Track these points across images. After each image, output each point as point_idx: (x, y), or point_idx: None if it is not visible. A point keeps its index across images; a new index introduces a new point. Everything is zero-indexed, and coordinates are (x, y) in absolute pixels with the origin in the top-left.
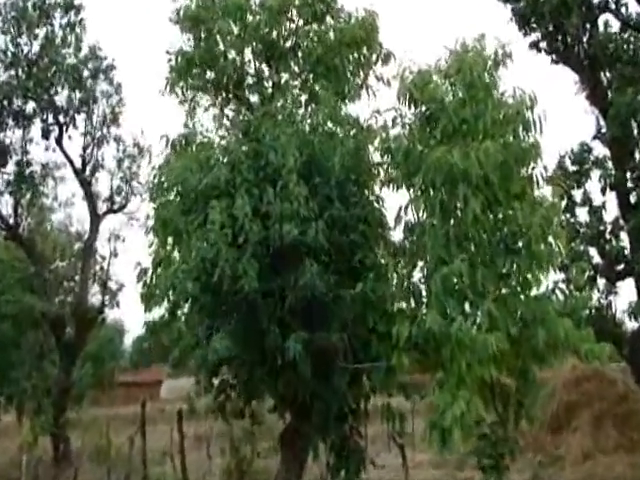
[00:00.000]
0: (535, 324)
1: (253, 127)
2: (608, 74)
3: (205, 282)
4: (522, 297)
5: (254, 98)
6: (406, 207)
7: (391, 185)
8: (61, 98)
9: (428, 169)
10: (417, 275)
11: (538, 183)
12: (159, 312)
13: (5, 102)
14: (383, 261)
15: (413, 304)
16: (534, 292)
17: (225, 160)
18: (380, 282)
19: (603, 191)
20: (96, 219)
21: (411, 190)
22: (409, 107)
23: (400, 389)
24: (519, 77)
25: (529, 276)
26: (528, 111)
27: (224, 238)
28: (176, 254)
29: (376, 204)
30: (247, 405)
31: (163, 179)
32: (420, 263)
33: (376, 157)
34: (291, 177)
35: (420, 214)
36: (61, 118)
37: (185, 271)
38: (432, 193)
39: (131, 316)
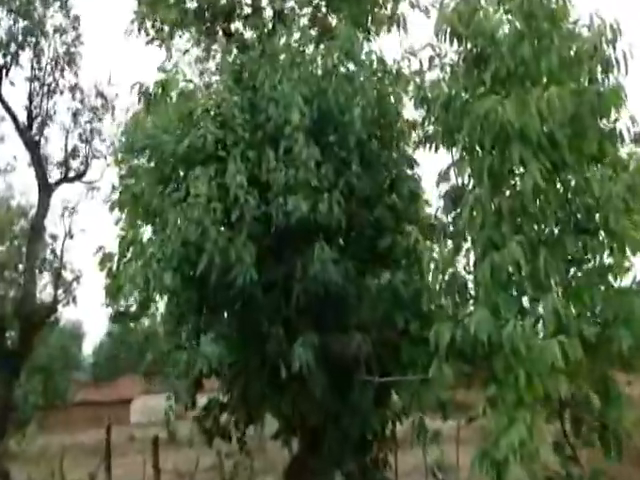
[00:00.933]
0: (617, 324)
1: (248, 72)
2: None
3: (188, 272)
4: (599, 290)
5: (249, 34)
6: (446, 173)
7: (427, 145)
8: None
9: (474, 124)
10: (461, 262)
11: (622, 141)
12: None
13: None
14: (417, 245)
15: (456, 299)
16: (615, 283)
17: (212, 114)
18: (413, 271)
19: None
20: (46, 190)
21: (453, 151)
22: (451, 44)
23: (440, 408)
24: (597, 1)
25: (608, 262)
26: (609, 46)
27: (212, 215)
28: (150, 236)
29: (408, 170)
30: (242, 429)
31: (133, 139)
32: (465, 246)
33: (408, 109)
34: (298, 136)
35: (465, 182)
36: None
37: (162, 258)
38: (480, 155)
39: (92, 316)
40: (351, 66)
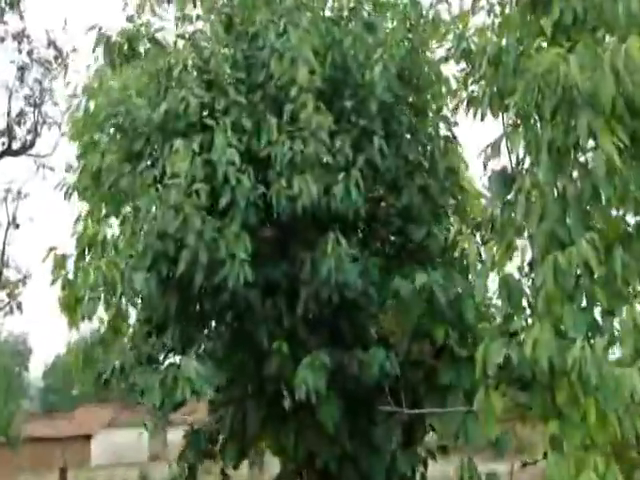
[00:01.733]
0: None
1: (242, 17)
2: None
3: (166, 273)
4: None
5: None
6: (495, 149)
7: (470, 111)
8: None
9: (531, 85)
10: (515, 263)
11: None
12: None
13: None
14: (459, 238)
15: (509, 310)
16: None
17: (197, 72)
18: (454, 273)
19: None
20: None
21: (504, 119)
22: None
23: (489, 447)
24: None
25: None
26: None
27: (196, 200)
28: (116, 229)
29: (446, 143)
30: (234, 470)
31: (94, 103)
32: (520, 243)
33: (447, 65)
34: (306, 99)
35: (519, 160)
36: None
37: (132, 256)
38: (538, 125)
39: (42, 327)
40: (372, 10)
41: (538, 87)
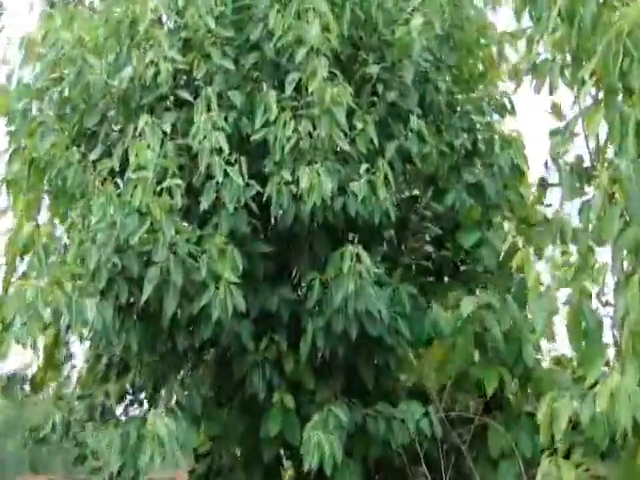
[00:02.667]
0: None
1: None
2: None
3: (127, 299)
4: None
5: None
6: (567, 132)
7: (534, 82)
8: None
9: (616, 46)
10: (591, 284)
11: None
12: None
13: None
14: (515, 248)
15: (583, 348)
16: None
17: (170, 27)
18: (509, 298)
19: None
20: None
21: (580, 94)
22: None
23: None
24: None
25: None
26: None
27: (167, 201)
28: (61, 236)
29: (501, 127)
30: None
31: (32, 66)
32: (598, 257)
33: (500, 18)
34: (317, 65)
35: (599, 147)
36: None
37: (82, 274)
38: (625, 102)
39: None
40: None
41: (624, 49)
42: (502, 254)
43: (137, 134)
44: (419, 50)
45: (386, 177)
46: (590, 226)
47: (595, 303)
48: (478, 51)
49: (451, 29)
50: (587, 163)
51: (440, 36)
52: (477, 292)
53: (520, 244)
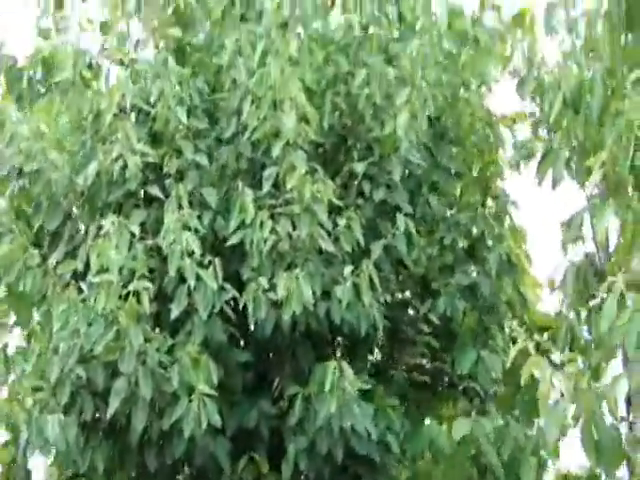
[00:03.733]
0: None
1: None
2: None
3: (91, 416)
4: None
5: None
6: (574, 227)
7: (536, 172)
8: None
9: (624, 137)
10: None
11: None
12: None
13: None
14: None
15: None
16: None
17: (138, 117)
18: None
19: None
20: None
21: (584, 183)
22: None
23: None
24: None
25: None
26: None
27: (135, 307)
28: (18, 346)
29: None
30: None
31: None
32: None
33: (501, 101)
34: (294, 158)
35: (607, 245)
36: None
37: (41, 389)
38: (635, 197)
39: None
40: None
41: (635, 140)
42: (509, 362)
43: (102, 234)
44: (407, 147)
45: (372, 280)
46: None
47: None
48: (474, 141)
49: (443, 120)
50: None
51: (435, 128)
52: (476, 405)
53: (531, 349)
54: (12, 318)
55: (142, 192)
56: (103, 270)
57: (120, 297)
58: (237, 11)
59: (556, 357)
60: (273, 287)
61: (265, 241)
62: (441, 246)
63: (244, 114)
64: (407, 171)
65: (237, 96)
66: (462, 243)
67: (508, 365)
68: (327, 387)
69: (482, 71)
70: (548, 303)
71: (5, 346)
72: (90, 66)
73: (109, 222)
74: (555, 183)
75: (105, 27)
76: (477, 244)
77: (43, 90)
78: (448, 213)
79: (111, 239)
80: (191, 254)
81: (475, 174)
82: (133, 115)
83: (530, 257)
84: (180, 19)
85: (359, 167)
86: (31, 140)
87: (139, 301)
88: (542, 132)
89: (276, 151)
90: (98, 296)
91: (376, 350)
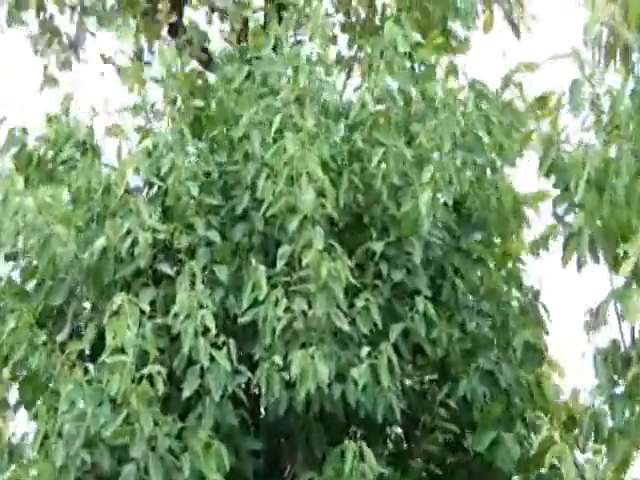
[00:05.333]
0: None
1: (218, 114)
2: None
3: None
4: None
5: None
6: (601, 314)
7: (563, 257)
8: None
9: None
10: None
11: None
12: None
13: None
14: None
15: None
16: None
17: (149, 194)
18: None
19: None
20: None
21: (610, 267)
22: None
23: None
24: None
25: None
26: None
27: (147, 389)
28: (24, 425)
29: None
30: None
31: None
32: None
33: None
34: (311, 235)
35: (634, 333)
36: None
37: (45, 474)
38: None
39: None
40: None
41: None
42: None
43: (111, 312)
44: (428, 227)
45: (390, 362)
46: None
47: None
48: (497, 223)
49: (467, 202)
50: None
51: (457, 209)
52: None
53: (556, 438)
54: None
55: (151, 269)
56: (117, 351)
57: (133, 380)
58: (254, 85)
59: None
60: (287, 366)
61: (279, 319)
62: (462, 330)
63: (259, 188)
64: (428, 254)
65: (252, 170)
66: (485, 328)
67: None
68: (347, 470)
69: (507, 152)
70: (570, 389)
71: (12, 435)
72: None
73: (119, 299)
74: (580, 266)
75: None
76: (500, 331)
77: (51, 166)
78: (470, 299)
79: (125, 317)
80: (205, 333)
81: (498, 259)
82: (143, 189)
83: (553, 343)
84: (198, 91)
85: (377, 247)
86: (36, 213)
87: (152, 384)
88: (564, 211)
89: (292, 226)
90: (111, 378)
91: (393, 436)
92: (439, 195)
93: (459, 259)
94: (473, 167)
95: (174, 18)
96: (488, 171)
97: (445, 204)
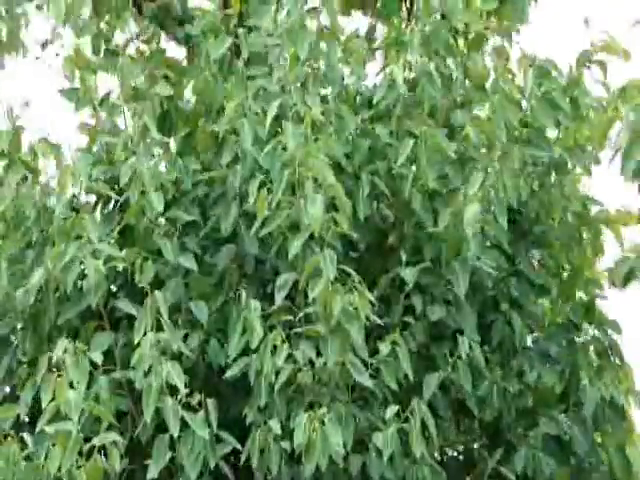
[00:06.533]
0: None
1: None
2: None
3: None
4: None
5: None
6: None
7: None
8: None
9: None
10: None
11: None
12: None
13: None
14: None
15: None
16: None
17: (101, 207)
18: None
19: None
20: None
21: None
22: None
23: None
24: None
25: None
26: None
27: (100, 465)
28: None
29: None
30: None
31: None
32: None
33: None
34: (319, 260)
35: None
36: None
37: None
38: None
39: None
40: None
41: None
42: None
43: (53, 367)
44: (476, 250)
45: (424, 425)
46: None
47: None
48: (565, 243)
49: (525, 214)
50: None
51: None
52: None
53: None
54: None
55: (106, 309)
56: (57, 418)
57: (80, 453)
58: (242, 64)
59: None
60: (288, 434)
61: (278, 372)
62: (520, 382)
63: (250, 199)
64: (474, 281)
65: (240, 175)
66: (549, 380)
67: None
68: None
69: (582, 149)
70: None
71: None
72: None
73: (62, 346)
74: None
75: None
76: (569, 382)
77: None
78: (530, 340)
79: (67, 373)
80: (174, 391)
81: (567, 286)
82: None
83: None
84: (166, 76)
85: (408, 274)
86: None
87: (106, 456)
88: None
89: (295, 249)
90: (51, 452)
91: None
92: (490, 207)
93: (516, 287)
94: (534, 168)
95: None
96: (554, 174)
97: (496, 217)
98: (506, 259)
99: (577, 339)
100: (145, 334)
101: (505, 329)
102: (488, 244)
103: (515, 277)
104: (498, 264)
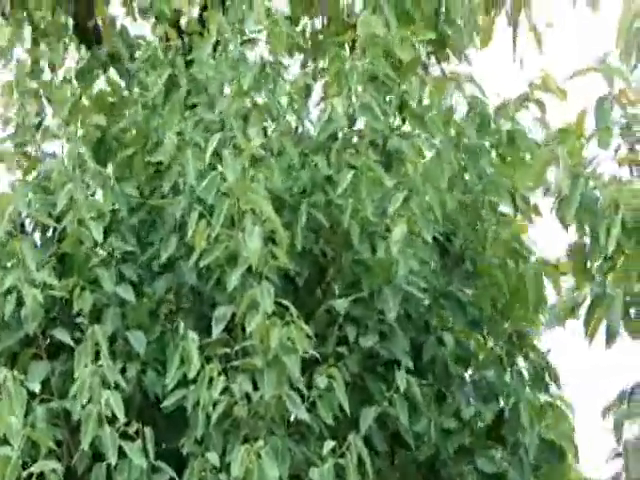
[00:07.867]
0: None
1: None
2: None
3: None
4: None
5: None
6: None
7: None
8: None
9: None
10: None
11: None
12: None
13: None
14: None
15: None
16: None
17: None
18: None
19: None
20: None
21: None
22: None
23: None
24: None
25: None
26: None
27: None
28: None
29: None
30: None
31: None
32: None
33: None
34: (257, 293)
35: None
36: None
37: None
38: None
39: None
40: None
41: None
42: None
43: None
44: (405, 274)
45: (361, 460)
46: None
47: None
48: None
49: (459, 237)
50: None
51: (445, 251)
52: None
53: None
54: None
55: (44, 337)
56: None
57: (19, 479)
58: (182, 94)
59: None
60: (225, 466)
61: (215, 404)
62: (457, 418)
63: (189, 231)
64: (405, 309)
65: (179, 207)
66: (487, 417)
67: None
68: None
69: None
70: None
71: None
72: None
73: (1, 377)
74: (610, 339)
75: None
76: (507, 420)
77: None
78: (467, 373)
79: (8, 400)
80: (112, 421)
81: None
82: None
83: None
84: (103, 105)
85: (339, 305)
86: None
87: None
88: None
89: (233, 281)
90: None
91: None
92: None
93: (451, 314)
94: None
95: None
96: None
97: (424, 240)
98: (438, 280)
99: (514, 368)
100: (86, 366)
101: (437, 350)
102: (417, 265)
103: (448, 302)
104: (429, 283)
